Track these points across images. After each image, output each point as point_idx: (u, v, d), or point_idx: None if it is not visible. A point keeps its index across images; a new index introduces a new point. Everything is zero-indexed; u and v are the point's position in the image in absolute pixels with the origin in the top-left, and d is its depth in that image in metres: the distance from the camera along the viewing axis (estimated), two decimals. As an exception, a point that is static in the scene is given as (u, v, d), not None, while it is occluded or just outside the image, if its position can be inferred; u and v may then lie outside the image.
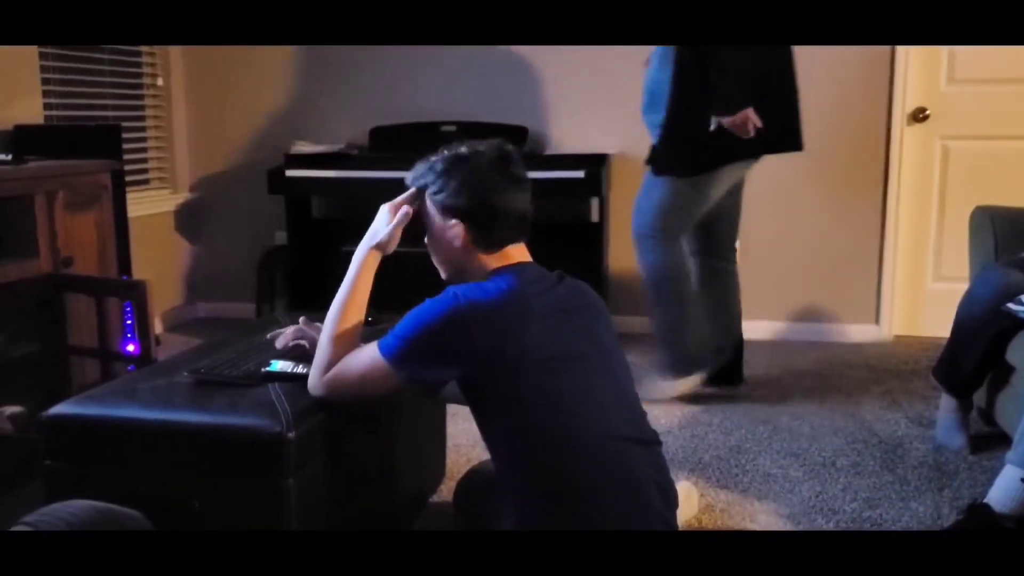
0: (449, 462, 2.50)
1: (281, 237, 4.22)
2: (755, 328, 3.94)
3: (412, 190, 1.74)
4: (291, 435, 1.59)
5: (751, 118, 2.77)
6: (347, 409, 1.76)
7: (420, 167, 1.73)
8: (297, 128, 4.22)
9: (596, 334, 1.71)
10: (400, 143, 3.90)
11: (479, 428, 1.71)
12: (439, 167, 1.69)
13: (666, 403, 3.08)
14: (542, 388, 1.58)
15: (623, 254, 4.01)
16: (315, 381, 1.69)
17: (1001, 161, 3.70)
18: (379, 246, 1.74)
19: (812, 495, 2.37)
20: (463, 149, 1.69)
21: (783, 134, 2.93)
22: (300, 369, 1.80)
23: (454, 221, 1.67)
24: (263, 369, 1.83)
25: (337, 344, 1.69)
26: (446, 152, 1.70)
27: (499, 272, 1.67)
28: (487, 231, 1.67)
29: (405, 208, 1.73)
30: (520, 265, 1.70)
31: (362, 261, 1.74)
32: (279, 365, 1.84)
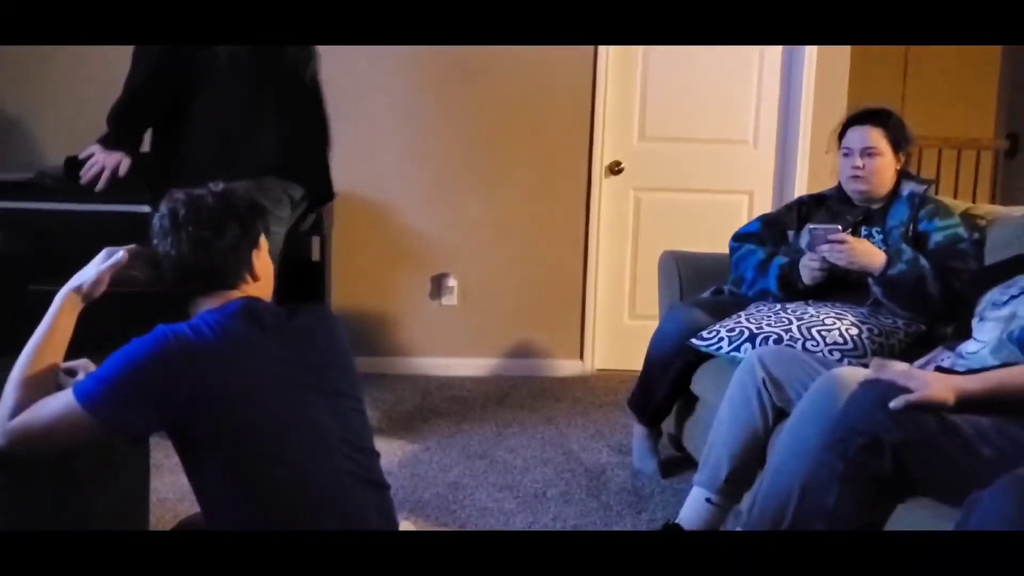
0: (153, 519, 2.32)
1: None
2: (471, 365, 4.07)
3: (134, 245, 1.64)
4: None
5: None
6: (32, 465, 1.58)
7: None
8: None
9: (325, 373, 1.63)
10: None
11: (189, 480, 1.60)
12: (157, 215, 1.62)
13: (388, 443, 3.08)
14: (259, 434, 1.50)
15: (345, 293, 3.99)
16: None
17: (685, 211, 4.12)
18: (79, 289, 1.60)
19: (525, 526, 2.47)
20: (178, 195, 1.62)
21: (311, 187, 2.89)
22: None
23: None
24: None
25: (26, 388, 1.51)
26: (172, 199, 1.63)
27: (216, 310, 1.58)
28: (186, 277, 1.61)
29: (120, 253, 1.61)
30: (243, 301, 1.60)
31: (60, 302, 1.59)
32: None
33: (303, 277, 3.80)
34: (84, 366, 1.67)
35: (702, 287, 2.97)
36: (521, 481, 2.80)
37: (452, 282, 4.05)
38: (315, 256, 3.91)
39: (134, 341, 1.50)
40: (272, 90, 2.67)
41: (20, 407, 1.50)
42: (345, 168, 3.93)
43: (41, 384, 1.53)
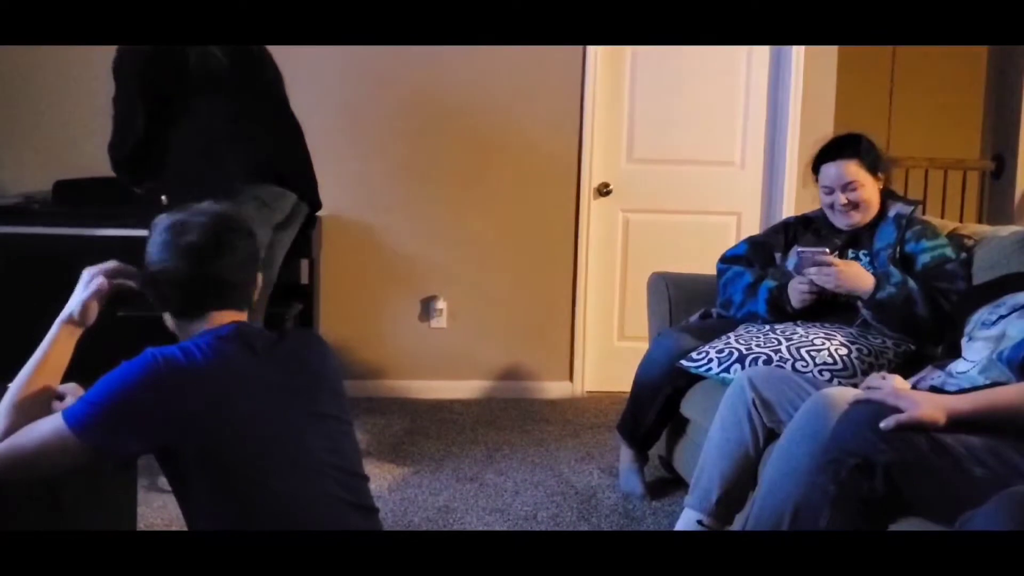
0: (142, 543, 2.30)
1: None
2: (461, 387, 4.06)
3: (114, 263, 1.63)
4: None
5: None
6: (18, 491, 1.56)
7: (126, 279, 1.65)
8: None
9: (315, 397, 1.63)
10: (88, 198, 3.60)
11: (179, 504, 1.59)
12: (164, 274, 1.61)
13: (377, 467, 3.06)
14: (249, 458, 1.50)
15: (334, 315, 3.98)
16: None
17: (673, 232, 4.14)
18: (70, 318, 1.60)
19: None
20: (180, 215, 1.61)
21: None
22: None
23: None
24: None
25: (17, 413, 1.51)
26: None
27: (208, 333, 1.58)
28: (178, 300, 1.61)
29: (99, 279, 1.61)
30: (232, 326, 1.60)
31: (56, 330, 1.60)
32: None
33: (292, 299, 3.79)
34: (73, 390, 1.64)
35: (691, 308, 2.98)
36: (512, 504, 2.79)
37: (441, 304, 4.05)
38: (304, 279, 3.91)
39: (124, 364, 1.49)
40: (256, 104, 2.70)
41: (10, 431, 1.49)
42: (334, 191, 3.93)
43: (33, 409, 1.53)
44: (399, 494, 2.84)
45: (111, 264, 1.64)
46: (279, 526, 1.51)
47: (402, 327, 4.05)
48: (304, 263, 3.88)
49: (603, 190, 4.10)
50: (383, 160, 3.97)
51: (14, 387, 1.55)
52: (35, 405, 1.54)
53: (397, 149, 3.97)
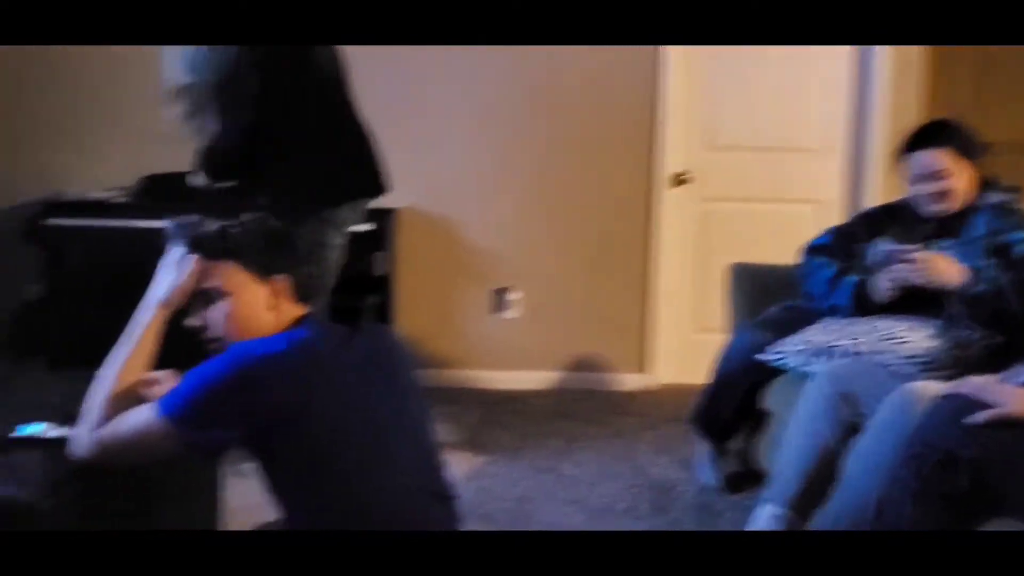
0: (227, 527, 2.37)
1: (38, 290, 3.88)
2: (535, 379, 4.07)
3: (191, 255, 1.65)
4: (45, 505, 1.45)
5: None
6: (112, 475, 1.63)
7: (206, 234, 1.66)
8: (59, 174, 3.92)
9: (394, 386, 1.67)
10: (175, 192, 3.72)
11: (266, 485, 1.62)
12: (246, 227, 1.66)
13: (453, 455, 3.09)
14: (336, 446, 1.53)
15: (409, 307, 4.03)
16: (82, 441, 1.55)
17: (754, 221, 4.05)
18: (160, 302, 1.64)
19: (592, 540, 2.45)
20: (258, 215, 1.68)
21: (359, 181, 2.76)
22: (57, 433, 1.65)
23: (277, 277, 1.63)
24: (12, 435, 1.66)
25: (111, 401, 1.56)
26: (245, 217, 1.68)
27: (291, 327, 1.63)
28: (297, 287, 1.66)
29: (192, 259, 1.63)
30: (312, 319, 1.66)
31: (147, 317, 1.64)
32: (32, 429, 1.68)
33: (368, 291, 3.85)
34: (168, 377, 1.69)
35: (771, 300, 2.92)
36: (588, 496, 2.78)
37: (514, 295, 4.06)
38: (380, 271, 3.96)
39: (213, 359, 1.55)
40: (339, 102, 2.68)
41: (106, 418, 1.55)
42: (409, 183, 3.97)
43: (126, 397, 1.58)
44: (475, 483, 2.86)
45: (186, 232, 1.67)
46: (361, 512, 1.54)
47: (475, 318, 4.08)
48: (380, 255, 3.94)
49: (680, 179, 4.04)
50: (456, 151, 3.99)
51: (107, 376, 1.60)
52: (129, 392, 1.59)
53: (469, 140, 3.99)
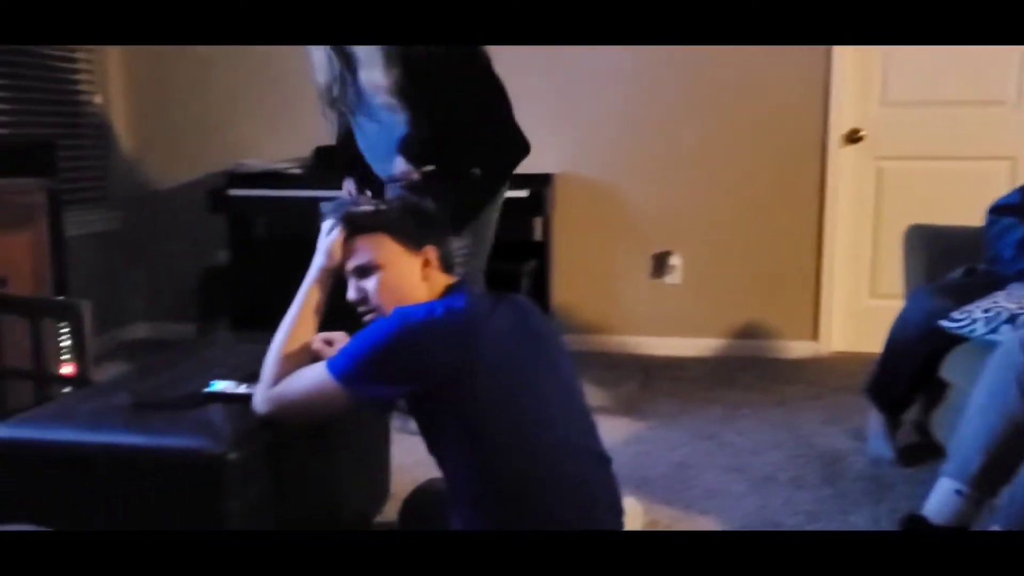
0: (393, 482, 2.47)
1: (223, 257, 4.16)
2: (696, 345, 4.00)
3: (338, 227, 1.74)
4: (232, 456, 1.56)
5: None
6: (290, 429, 1.74)
7: (360, 211, 1.76)
8: (241, 146, 4.17)
9: (546, 351, 1.72)
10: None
11: (429, 445, 1.70)
12: (395, 204, 1.79)
13: (611, 420, 3.10)
14: (496, 402, 1.58)
15: (567, 272, 4.05)
16: (260, 397, 1.68)
17: (934, 181, 3.81)
18: (322, 264, 1.75)
19: (755, 509, 2.40)
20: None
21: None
22: (242, 389, 1.78)
23: (427, 248, 1.73)
24: (204, 390, 1.80)
25: (285, 361, 1.68)
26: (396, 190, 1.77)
27: (445, 294, 1.71)
28: (448, 255, 1.78)
29: (336, 229, 1.74)
30: (464, 286, 1.75)
31: (310, 279, 1.75)
32: (220, 385, 1.81)
33: (526, 256, 3.89)
34: (341, 339, 1.82)
35: (952, 264, 2.75)
36: (750, 464, 2.72)
37: (675, 260, 4.00)
38: (538, 236, 4.00)
39: (379, 321, 1.63)
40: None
41: (280, 377, 1.67)
42: (567, 148, 3.98)
43: (297, 358, 1.69)
44: (634, 448, 2.85)
45: (346, 209, 1.77)
46: (521, 467, 1.58)
47: (635, 283, 4.04)
48: (538, 220, 3.97)
49: (853, 137, 3.84)
50: (614, 113, 3.95)
51: (279, 337, 1.71)
52: (299, 351, 1.70)
53: (628, 100, 3.93)
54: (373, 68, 2.47)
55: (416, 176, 2.49)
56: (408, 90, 2.45)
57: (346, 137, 2.69)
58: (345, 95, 2.56)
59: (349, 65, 2.51)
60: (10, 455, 1.65)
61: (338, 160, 2.66)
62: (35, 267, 2.82)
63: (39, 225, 2.83)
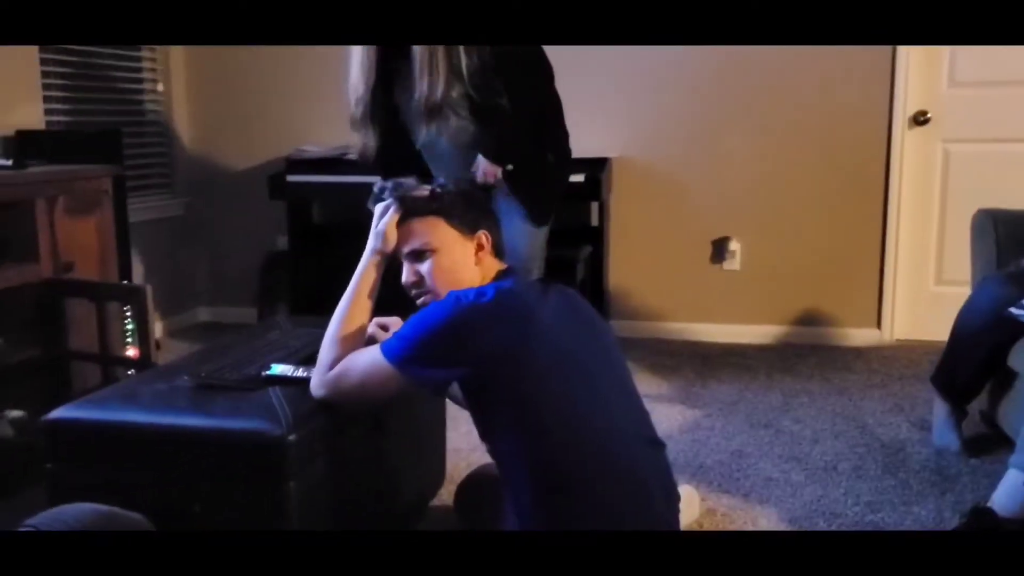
0: (449, 466, 2.49)
1: (283, 242, 4.22)
2: (754, 332, 3.95)
3: (392, 211, 1.75)
4: (292, 438, 1.59)
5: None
6: (348, 412, 1.76)
7: (416, 195, 1.76)
8: (299, 133, 4.22)
9: (595, 333, 1.73)
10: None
11: (480, 428, 1.70)
12: (449, 188, 1.77)
13: (667, 407, 3.08)
14: (548, 386, 1.58)
15: (622, 257, 4.02)
16: (317, 381, 1.70)
17: (1003, 164, 3.70)
18: (376, 248, 1.76)
19: (814, 499, 2.36)
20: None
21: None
22: (301, 373, 1.80)
23: (480, 232, 1.75)
24: (264, 373, 1.83)
25: (341, 345, 1.70)
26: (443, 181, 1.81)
27: (496, 279, 1.72)
28: (500, 241, 1.80)
29: (391, 210, 1.75)
30: (511, 273, 1.76)
31: (365, 263, 1.76)
32: (280, 369, 1.84)
33: (582, 242, 3.87)
34: (396, 323, 1.85)
35: (1022, 250, 2.66)
36: (810, 453, 2.68)
37: (734, 245, 3.94)
38: (594, 221, 3.97)
39: (432, 305, 1.64)
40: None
41: (336, 360, 1.68)
42: (623, 131, 3.95)
43: (352, 341, 1.71)
44: (690, 436, 2.83)
45: (398, 192, 1.77)
46: (571, 449, 1.58)
47: (692, 269, 4.00)
48: (594, 205, 3.94)
49: (919, 119, 3.74)
50: (671, 94, 3.90)
51: (335, 321, 1.73)
52: (355, 334, 1.72)
53: (686, 81, 3.88)
54: (436, 79, 2.47)
55: (500, 175, 2.54)
56: (476, 96, 2.48)
57: (389, 144, 2.68)
58: (394, 105, 2.58)
59: (398, 76, 2.53)
60: (76, 435, 1.70)
61: (382, 166, 2.67)
62: (101, 252, 2.89)
63: (105, 211, 2.90)
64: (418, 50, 2.41)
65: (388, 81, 2.56)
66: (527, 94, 2.55)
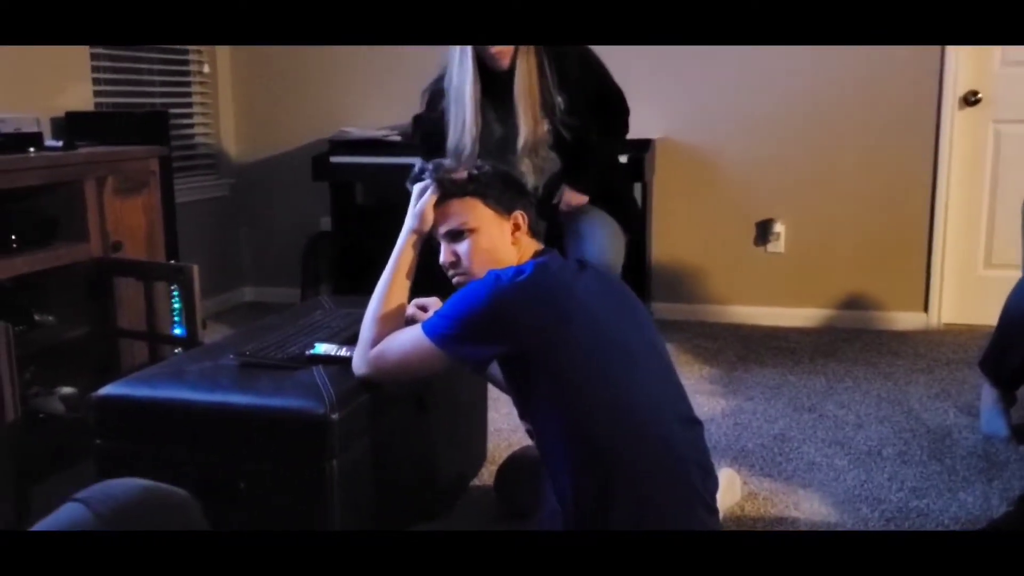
0: (490, 446, 2.50)
1: (326, 223, 4.26)
2: (798, 315, 3.90)
3: (430, 191, 1.77)
4: (335, 416, 1.60)
5: None
6: (390, 392, 1.77)
7: (455, 176, 1.77)
8: (342, 114, 4.25)
9: (631, 311, 1.73)
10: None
11: (520, 406, 1.71)
12: (486, 170, 1.79)
13: (709, 390, 3.06)
14: (586, 362, 1.58)
15: (665, 239, 3.99)
16: (359, 359, 1.72)
17: (1057, 145, 3.60)
18: (414, 228, 1.77)
19: (857, 484, 2.34)
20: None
21: None
22: (344, 352, 1.82)
23: (516, 212, 1.76)
24: (307, 352, 1.85)
25: (381, 324, 1.71)
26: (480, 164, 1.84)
27: (533, 259, 1.73)
28: (536, 221, 1.81)
29: (429, 190, 1.76)
30: (547, 252, 1.76)
31: (403, 243, 1.78)
32: (323, 348, 1.86)
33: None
34: (435, 303, 1.87)
35: (1078, 232, 2.59)
36: (854, 438, 2.65)
37: (779, 228, 3.89)
38: (637, 203, 3.94)
39: (472, 283, 1.64)
40: None
41: (377, 339, 1.70)
42: (667, 113, 3.91)
43: (393, 320, 1.73)
44: (732, 419, 2.81)
45: (437, 173, 1.78)
46: (609, 426, 1.58)
47: (736, 251, 3.96)
48: (637, 186, 3.91)
49: (970, 99, 3.65)
50: (717, 78, 3.85)
51: (375, 300, 1.75)
52: (394, 313, 1.74)
53: (733, 66, 3.82)
54: (537, 121, 2.54)
55: (586, 200, 2.63)
56: (567, 134, 2.56)
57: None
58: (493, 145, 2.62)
59: (490, 107, 2.59)
60: (124, 412, 1.74)
61: (426, 150, 2.69)
62: (149, 232, 2.94)
63: (152, 192, 2.94)
64: (519, 90, 2.50)
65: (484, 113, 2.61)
66: (615, 133, 2.73)
